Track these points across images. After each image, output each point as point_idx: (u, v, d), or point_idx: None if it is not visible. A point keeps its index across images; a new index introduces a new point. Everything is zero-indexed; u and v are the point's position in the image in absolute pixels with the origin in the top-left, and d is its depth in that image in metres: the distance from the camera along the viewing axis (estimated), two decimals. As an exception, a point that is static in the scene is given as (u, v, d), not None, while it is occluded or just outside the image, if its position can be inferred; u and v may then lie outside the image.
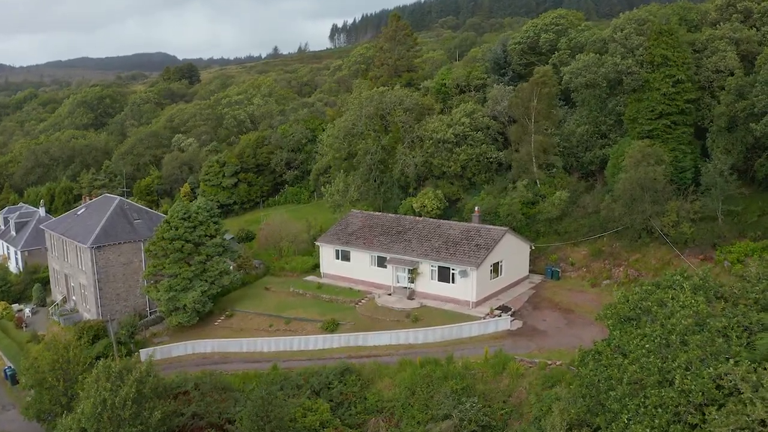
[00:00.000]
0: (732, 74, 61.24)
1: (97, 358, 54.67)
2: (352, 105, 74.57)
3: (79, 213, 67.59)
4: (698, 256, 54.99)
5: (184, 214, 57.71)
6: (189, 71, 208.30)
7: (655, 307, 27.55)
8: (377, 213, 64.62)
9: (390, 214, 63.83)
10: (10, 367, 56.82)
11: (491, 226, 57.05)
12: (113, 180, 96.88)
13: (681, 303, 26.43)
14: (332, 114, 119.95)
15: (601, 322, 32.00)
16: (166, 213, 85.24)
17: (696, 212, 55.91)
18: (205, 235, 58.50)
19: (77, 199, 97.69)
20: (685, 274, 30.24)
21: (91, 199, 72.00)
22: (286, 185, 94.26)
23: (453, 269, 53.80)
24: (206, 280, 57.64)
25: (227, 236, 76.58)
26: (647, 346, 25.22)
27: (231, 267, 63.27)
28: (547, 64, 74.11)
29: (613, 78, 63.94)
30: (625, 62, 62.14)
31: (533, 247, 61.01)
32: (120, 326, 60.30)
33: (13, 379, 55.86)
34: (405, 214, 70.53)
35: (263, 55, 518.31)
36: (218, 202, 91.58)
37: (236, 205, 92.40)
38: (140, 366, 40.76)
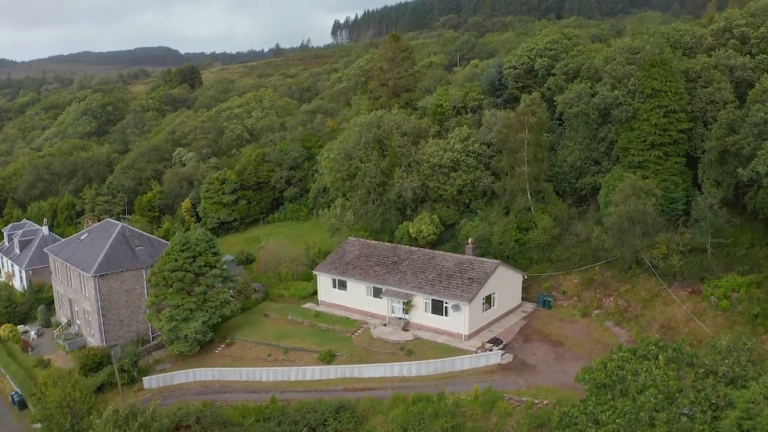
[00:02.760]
0: (726, 106, 62.18)
1: (101, 386, 56.88)
2: (352, 131, 75.76)
3: (82, 238, 69.16)
4: (686, 289, 56.33)
5: (183, 245, 59.19)
6: (190, 73, 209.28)
7: (630, 376, 29.01)
8: (373, 242, 66.01)
9: (386, 243, 65.23)
10: (18, 392, 58.50)
11: (484, 259, 58.47)
12: (115, 196, 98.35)
13: (653, 377, 27.88)
14: (332, 126, 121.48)
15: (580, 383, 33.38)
16: (167, 231, 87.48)
17: (686, 244, 57.21)
18: (205, 265, 59.97)
19: (80, 214, 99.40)
20: (660, 344, 31.66)
21: (93, 223, 73.47)
22: (286, 202, 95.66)
23: (446, 303, 55.29)
24: (207, 310, 59.21)
25: (227, 258, 78.43)
26: (618, 420, 26.71)
27: (231, 292, 64.89)
28: (543, 86, 75.22)
29: (604, 108, 65.09)
30: (614, 94, 63.22)
31: (526, 277, 62.45)
32: (123, 353, 62.03)
33: (21, 405, 57.64)
34: (401, 239, 72.31)
35: (266, 50, 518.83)
36: (219, 219, 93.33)
37: (236, 221, 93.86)
38: (147, 410, 42.35)
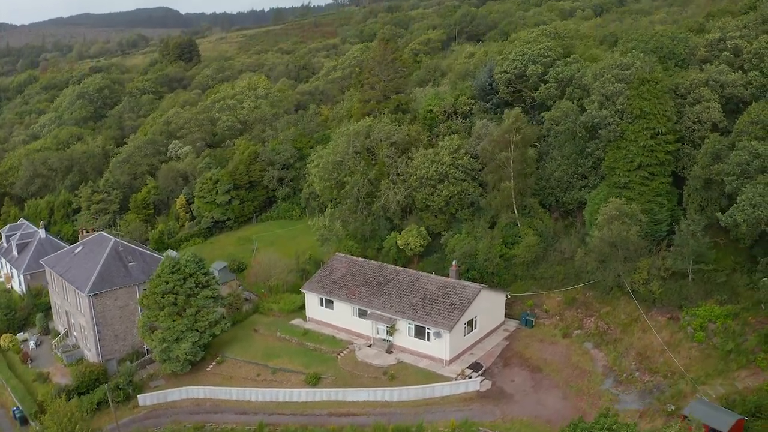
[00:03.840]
0: (715, 126, 62.33)
1: (98, 404, 59.03)
2: (340, 140, 76.17)
3: (76, 251, 70.53)
4: (665, 315, 57.50)
5: (173, 267, 60.54)
6: (188, 47, 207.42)
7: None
8: (360, 259, 67.14)
9: (373, 262, 66.38)
10: (19, 408, 60.69)
11: (467, 283, 59.64)
12: (110, 194, 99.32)
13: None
14: (326, 114, 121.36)
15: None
16: (161, 233, 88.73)
17: (667, 269, 58.13)
18: (196, 286, 61.41)
19: (76, 212, 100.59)
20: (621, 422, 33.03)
21: (89, 233, 74.76)
22: (279, 201, 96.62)
23: (428, 329, 56.77)
24: (198, 330, 60.89)
25: (220, 264, 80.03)
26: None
27: (222, 310, 66.50)
28: (535, 92, 75.09)
29: (591, 126, 65.30)
30: (602, 113, 63.29)
31: (509, 296, 63.77)
32: (118, 371, 64.19)
33: (22, 421, 59.92)
34: (390, 250, 73.53)
35: (266, 9, 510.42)
36: (213, 218, 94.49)
37: (230, 220, 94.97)
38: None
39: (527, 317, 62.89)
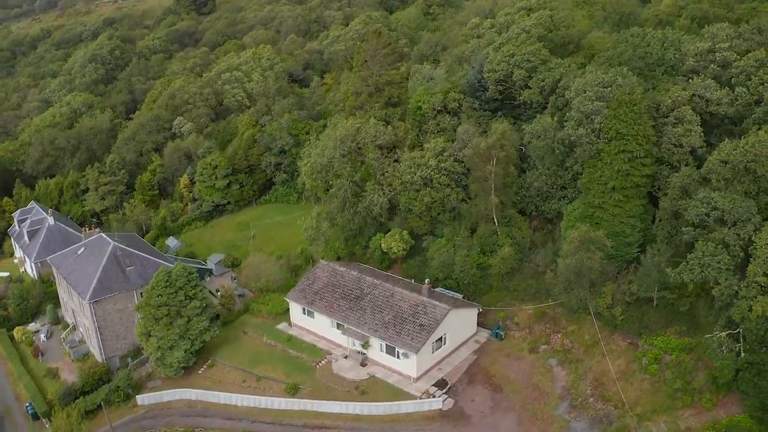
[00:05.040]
0: (693, 151, 62.81)
1: (99, 405, 64.99)
2: (328, 143, 78.04)
3: (79, 252, 75.04)
4: (626, 340, 60.33)
5: (166, 281, 64.73)
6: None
7: None
8: (341, 269, 70.37)
9: (353, 272, 69.55)
10: (31, 404, 66.96)
11: (437, 303, 62.74)
12: (117, 174, 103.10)
13: None
14: (330, 82, 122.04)
15: None
16: (164, 219, 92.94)
17: (632, 294, 60.46)
18: (186, 298, 65.73)
19: (84, 192, 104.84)
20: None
21: (91, 230, 79.18)
22: (277, 185, 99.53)
23: (397, 349, 60.65)
24: (189, 338, 65.73)
25: (216, 257, 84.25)
26: None
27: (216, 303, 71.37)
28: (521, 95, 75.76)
29: (569, 143, 66.21)
30: (579, 132, 63.97)
31: (481, 310, 67.01)
32: (120, 362, 70.12)
33: (34, 416, 66.29)
34: (374, 252, 76.77)
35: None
36: (213, 202, 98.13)
37: (230, 204, 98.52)
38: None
39: (497, 330, 66.24)
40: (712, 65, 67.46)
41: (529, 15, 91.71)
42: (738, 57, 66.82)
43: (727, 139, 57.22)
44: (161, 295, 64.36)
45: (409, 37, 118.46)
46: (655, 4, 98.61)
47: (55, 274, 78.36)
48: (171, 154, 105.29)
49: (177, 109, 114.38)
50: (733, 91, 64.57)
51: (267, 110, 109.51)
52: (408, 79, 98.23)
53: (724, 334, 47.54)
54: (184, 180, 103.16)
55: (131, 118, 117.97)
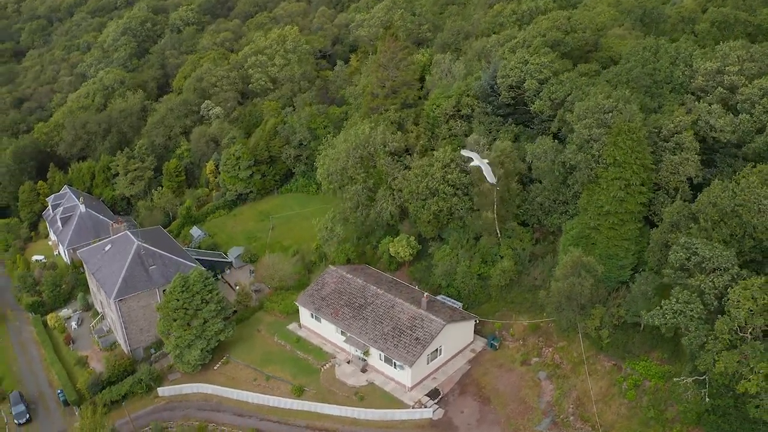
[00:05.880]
0: (690, 179, 63.96)
1: (124, 396, 71.43)
2: (341, 150, 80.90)
3: (106, 249, 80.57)
4: (611, 362, 63.35)
5: (183, 286, 69.78)
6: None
7: None
8: (348, 275, 74.29)
9: (359, 280, 73.34)
10: (62, 391, 73.87)
11: (434, 318, 66.30)
12: (145, 161, 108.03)
13: None
14: (356, 64, 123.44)
15: None
16: (188, 208, 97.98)
17: (620, 317, 63.14)
18: (202, 302, 70.80)
19: (115, 176, 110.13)
20: None
21: (118, 225, 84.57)
22: (297, 175, 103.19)
23: (394, 360, 64.89)
24: (205, 338, 71.13)
25: (236, 251, 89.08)
26: None
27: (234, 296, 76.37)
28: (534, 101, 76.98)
29: (569, 167, 67.88)
30: (578, 158, 65.57)
31: (478, 321, 70.53)
32: (144, 353, 76.37)
33: (65, 403, 73.22)
34: (383, 255, 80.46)
35: None
36: (236, 191, 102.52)
37: (252, 193, 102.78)
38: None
39: (492, 341, 69.80)
40: (720, 87, 67.52)
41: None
42: (746, 82, 66.60)
43: (717, 180, 58.46)
44: (178, 300, 69.49)
45: (432, 22, 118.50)
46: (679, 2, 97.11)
47: (86, 267, 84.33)
48: (198, 139, 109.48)
49: (204, 92, 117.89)
50: (737, 117, 64.90)
51: (291, 95, 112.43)
52: (424, 79, 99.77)
53: (690, 380, 50.07)
54: (210, 166, 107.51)
55: (168, 91, 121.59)
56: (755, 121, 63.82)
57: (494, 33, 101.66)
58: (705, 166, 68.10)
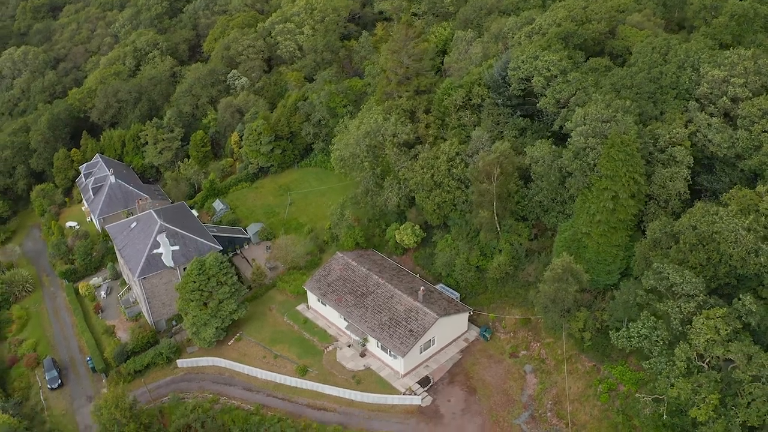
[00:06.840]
0: (678, 194, 65.68)
1: (147, 366, 78.66)
2: (351, 138, 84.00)
3: (132, 227, 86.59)
4: (591, 363, 67.29)
5: (199, 270, 75.51)
6: None
7: None
8: (354, 263, 78.80)
9: (363, 268, 77.80)
10: (90, 359, 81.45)
11: (428, 311, 70.62)
12: (173, 130, 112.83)
13: None
14: (380, 33, 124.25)
15: None
16: (212, 182, 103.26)
17: (603, 321, 66.59)
18: (217, 284, 76.58)
19: (144, 145, 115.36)
20: None
21: (143, 202, 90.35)
22: (316, 151, 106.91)
23: (389, 349, 70.04)
24: (220, 317, 77.27)
25: (255, 227, 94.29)
26: None
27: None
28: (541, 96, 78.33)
29: (565, 172, 70.06)
30: (573, 165, 67.69)
31: (472, 312, 74.79)
32: (166, 324, 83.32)
33: (93, 369, 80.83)
34: (389, 241, 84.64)
35: None
36: (258, 165, 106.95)
37: (273, 167, 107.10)
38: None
39: (484, 333, 74.16)
40: (724, 97, 67.76)
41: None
42: (750, 95, 66.59)
43: (701, 203, 60.17)
44: (195, 281, 75.35)
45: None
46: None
47: (114, 241, 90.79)
48: (224, 109, 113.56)
49: (232, 60, 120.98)
50: (736, 131, 65.57)
51: (315, 66, 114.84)
52: (445, 52, 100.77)
53: (650, 398, 53.69)
54: (234, 136, 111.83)
55: (200, 52, 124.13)
56: (753, 139, 64.46)
57: (518, 9, 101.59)
58: (705, 172, 69.75)
